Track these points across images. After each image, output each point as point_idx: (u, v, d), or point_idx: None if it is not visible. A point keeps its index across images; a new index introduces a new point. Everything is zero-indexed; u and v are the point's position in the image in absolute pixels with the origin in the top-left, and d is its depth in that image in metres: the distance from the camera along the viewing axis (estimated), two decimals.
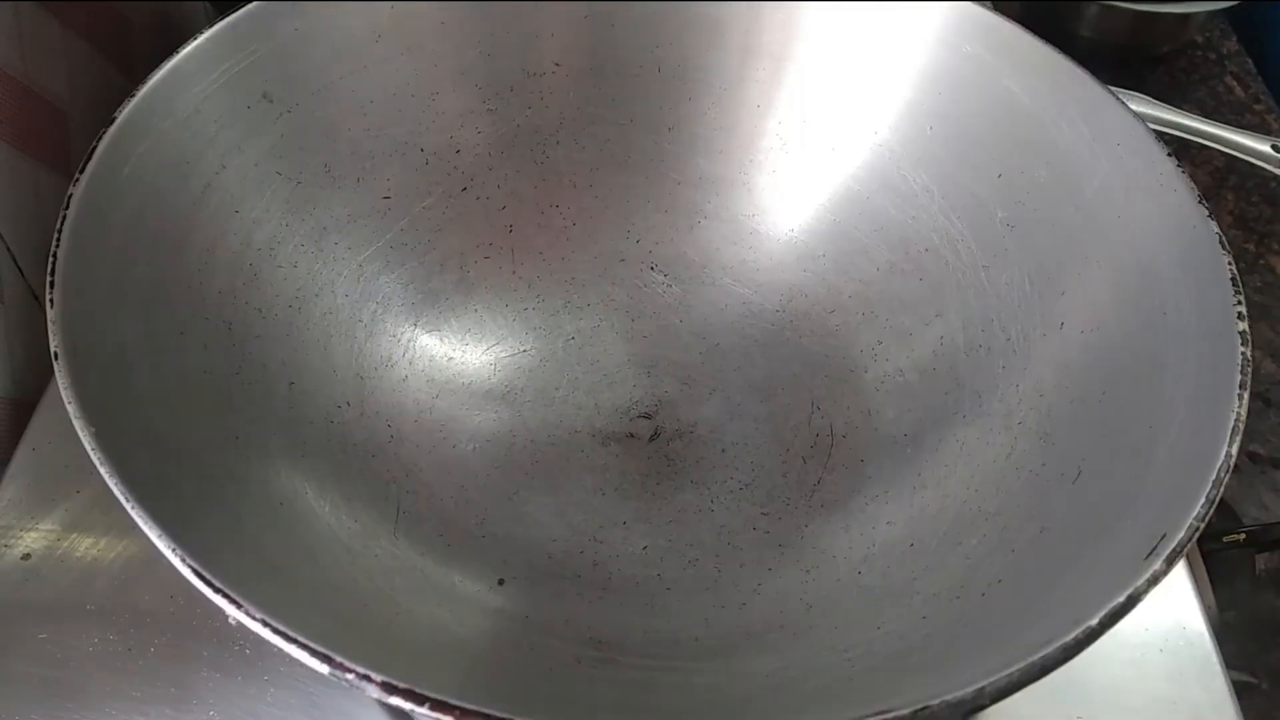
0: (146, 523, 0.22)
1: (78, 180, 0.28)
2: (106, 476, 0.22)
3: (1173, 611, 0.33)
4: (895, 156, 0.37)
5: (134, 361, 0.27)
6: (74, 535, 0.34)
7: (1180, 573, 0.34)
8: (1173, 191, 0.30)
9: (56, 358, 0.24)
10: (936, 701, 0.20)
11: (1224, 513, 0.39)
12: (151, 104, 0.30)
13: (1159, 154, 0.30)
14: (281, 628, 0.20)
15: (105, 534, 0.34)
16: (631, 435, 0.37)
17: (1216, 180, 0.54)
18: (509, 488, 0.35)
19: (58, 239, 0.26)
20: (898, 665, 0.26)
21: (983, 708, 0.20)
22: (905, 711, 0.19)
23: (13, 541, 0.34)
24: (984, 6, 0.35)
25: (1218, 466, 0.23)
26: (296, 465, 0.30)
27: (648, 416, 0.37)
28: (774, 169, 0.39)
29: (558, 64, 0.38)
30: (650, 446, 0.36)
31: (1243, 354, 0.25)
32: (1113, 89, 0.32)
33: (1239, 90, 0.60)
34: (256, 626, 0.20)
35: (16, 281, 0.38)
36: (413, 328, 0.37)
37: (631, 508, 0.35)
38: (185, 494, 0.25)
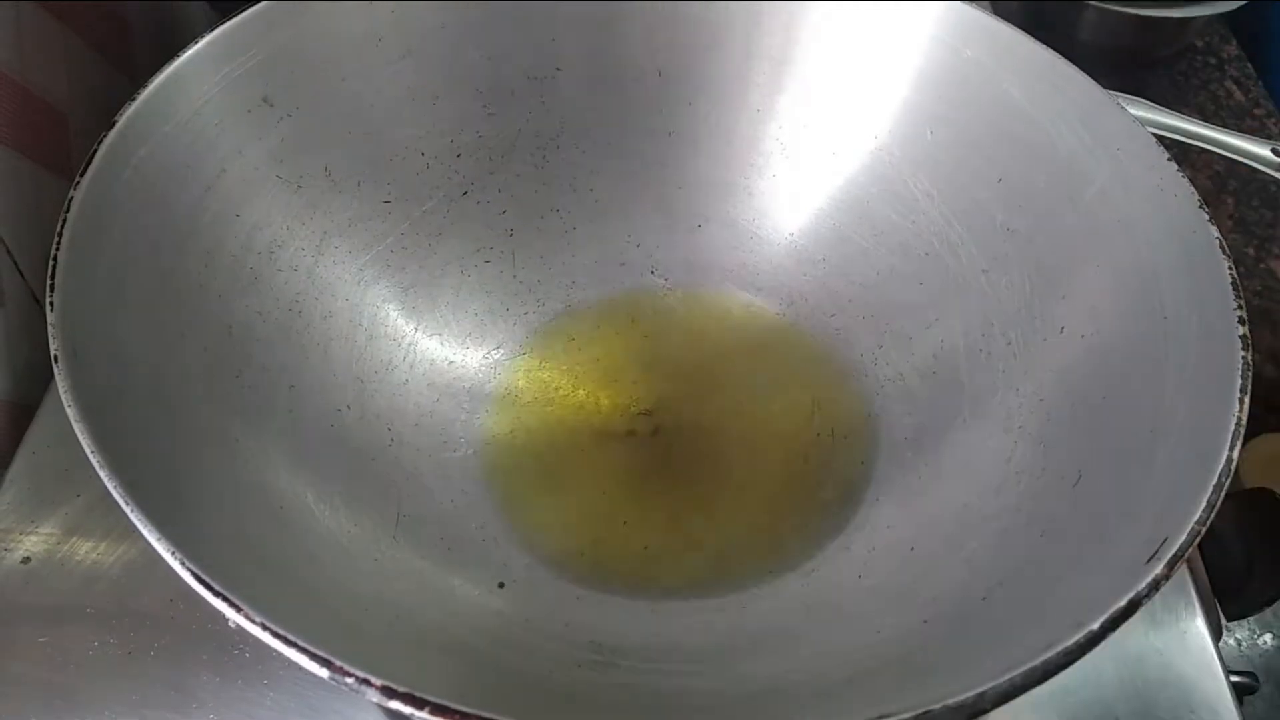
0: (146, 526, 0.22)
1: (78, 183, 0.28)
2: (106, 480, 0.22)
3: (1173, 615, 0.33)
4: (895, 160, 0.37)
5: (134, 365, 0.27)
6: (74, 539, 0.34)
7: (1181, 576, 0.34)
8: (1173, 196, 0.30)
9: (57, 361, 0.24)
10: (938, 706, 0.20)
11: None
12: (152, 107, 0.30)
13: (1159, 158, 0.30)
14: (281, 631, 0.20)
15: (105, 537, 0.34)
16: (631, 433, 0.37)
17: (1217, 184, 0.54)
18: (509, 490, 0.35)
19: (58, 242, 0.26)
20: (898, 669, 0.26)
21: (984, 712, 0.20)
22: (907, 716, 0.19)
23: (13, 545, 0.34)
24: (984, 10, 0.35)
25: (1218, 471, 0.23)
26: (296, 469, 0.30)
27: (648, 414, 0.37)
28: (774, 173, 0.39)
29: (559, 68, 0.38)
30: (651, 443, 0.36)
31: (1243, 358, 0.25)
32: (1113, 93, 0.32)
33: (1239, 94, 0.60)
34: (256, 630, 0.20)
35: (17, 284, 0.38)
36: (413, 331, 0.37)
37: (632, 508, 0.35)
38: (185, 497, 0.25)
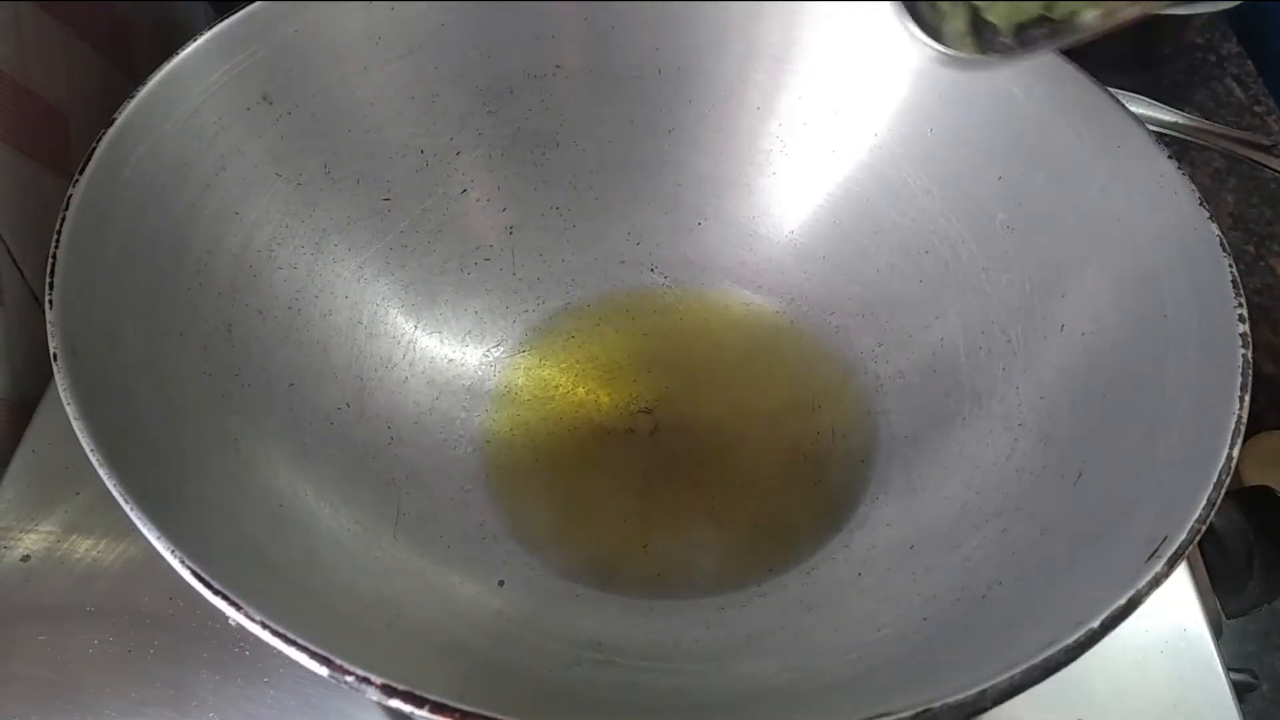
0: (145, 524, 0.22)
1: (77, 181, 0.28)
2: (105, 478, 0.22)
3: (1173, 613, 0.33)
4: (895, 158, 0.37)
5: (133, 363, 0.27)
6: (73, 537, 0.34)
7: (1181, 574, 0.34)
8: (1173, 193, 0.30)
9: (56, 359, 0.24)
10: (938, 704, 0.20)
11: None
12: (151, 105, 0.30)
13: (1159, 156, 0.30)
14: (281, 630, 0.20)
15: (105, 535, 0.34)
16: (631, 430, 0.37)
17: (1216, 182, 0.54)
18: (509, 488, 0.35)
19: (57, 240, 0.26)
20: (898, 667, 0.26)
21: (984, 710, 0.20)
22: (907, 714, 0.19)
23: (12, 543, 0.34)
24: None
25: (1219, 469, 0.23)
26: (296, 467, 0.30)
27: (648, 411, 0.37)
28: (774, 171, 0.39)
29: (558, 66, 0.38)
30: (651, 441, 0.36)
31: (1243, 356, 0.25)
32: (1112, 90, 0.32)
33: (1239, 92, 0.60)
34: (256, 628, 0.20)
35: (16, 283, 0.38)
36: (413, 329, 0.37)
37: (631, 505, 0.35)
38: (185, 495, 0.25)
